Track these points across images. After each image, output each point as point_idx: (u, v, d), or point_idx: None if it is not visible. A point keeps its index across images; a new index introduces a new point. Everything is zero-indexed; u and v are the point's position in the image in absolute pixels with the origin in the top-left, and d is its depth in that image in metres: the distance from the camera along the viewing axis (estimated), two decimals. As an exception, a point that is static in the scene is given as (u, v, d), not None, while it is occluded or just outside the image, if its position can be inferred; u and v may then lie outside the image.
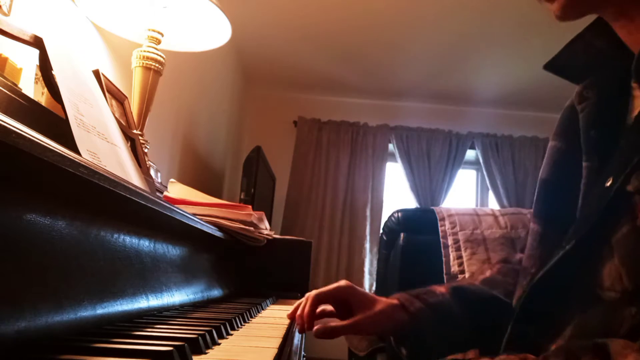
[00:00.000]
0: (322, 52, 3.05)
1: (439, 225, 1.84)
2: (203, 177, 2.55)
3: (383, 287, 1.98)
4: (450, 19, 2.57)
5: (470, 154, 3.69)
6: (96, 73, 0.84)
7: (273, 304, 1.09)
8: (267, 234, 1.30)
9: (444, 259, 1.76)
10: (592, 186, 0.52)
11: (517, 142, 3.63)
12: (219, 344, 0.44)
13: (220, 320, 0.54)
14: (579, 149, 0.56)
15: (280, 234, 2.30)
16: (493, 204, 3.65)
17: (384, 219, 2.52)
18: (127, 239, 0.56)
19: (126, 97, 1.05)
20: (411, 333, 0.69)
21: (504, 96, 3.47)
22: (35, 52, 0.63)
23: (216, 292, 0.94)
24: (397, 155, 3.58)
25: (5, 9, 0.84)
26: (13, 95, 0.54)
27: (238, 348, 0.44)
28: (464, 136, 3.64)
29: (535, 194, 0.63)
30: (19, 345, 0.32)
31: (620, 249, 0.44)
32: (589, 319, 0.46)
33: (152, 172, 1.10)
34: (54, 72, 0.60)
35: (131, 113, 1.06)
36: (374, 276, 3.25)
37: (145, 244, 0.61)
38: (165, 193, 1.20)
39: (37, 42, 0.62)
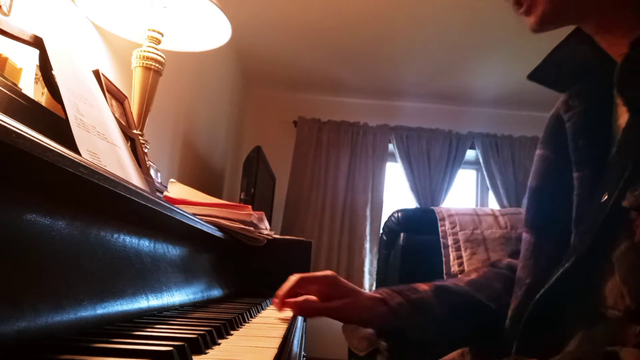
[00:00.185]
0: (323, 52, 3.05)
1: (439, 225, 1.84)
2: (203, 177, 2.55)
3: (383, 287, 1.98)
4: (451, 19, 2.57)
5: (470, 154, 3.69)
6: (96, 73, 0.84)
7: (273, 304, 1.09)
8: (267, 234, 1.30)
9: (444, 259, 1.76)
10: (586, 198, 0.51)
11: (517, 142, 3.63)
12: (219, 344, 0.44)
13: (220, 320, 0.54)
14: (568, 157, 0.55)
15: (280, 234, 2.30)
16: (493, 204, 3.65)
17: (384, 219, 2.52)
18: (127, 239, 0.56)
19: (126, 97, 1.05)
20: (391, 327, 0.70)
21: (504, 96, 3.47)
22: (35, 52, 0.63)
23: (216, 292, 0.94)
24: (397, 155, 3.58)
25: (5, 9, 0.84)
26: (13, 95, 0.54)
27: (238, 348, 0.44)
28: (464, 136, 3.64)
29: (526, 203, 0.63)
30: (19, 345, 0.32)
31: (620, 266, 0.44)
32: (593, 335, 0.46)
33: (152, 172, 1.10)
34: (54, 72, 0.60)
35: (131, 113, 1.06)
36: (374, 276, 3.25)
37: (145, 244, 0.61)
38: (165, 193, 1.20)
39: (37, 42, 0.62)
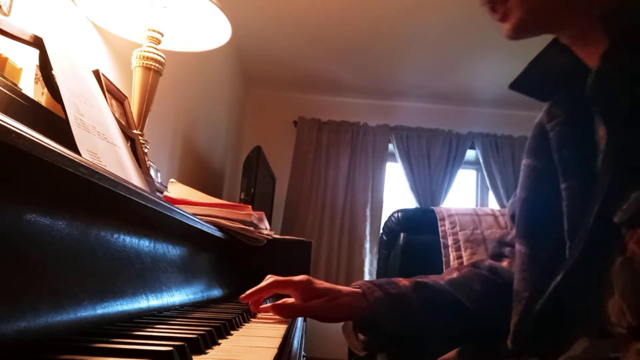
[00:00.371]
0: (323, 52, 3.05)
1: (439, 225, 1.84)
2: (203, 177, 2.55)
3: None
4: (451, 19, 2.57)
5: (470, 154, 3.69)
6: (96, 73, 0.84)
7: (273, 304, 1.09)
8: (267, 234, 1.30)
9: (444, 259, 1.76)
10: (577, 210, 0.50)
11: (517, 142, 3.63)
12: (219, 344, 0.44)
13: (220, 320, 0.54)
14: (554, 167, 0.55)
15: (280, 234, 2.30)
16: (493, 204, 3.65)
17: (384, 219, 2.52)
18: (127, 239, 0.56)
19: (126, 97, 1.05)
20: (368, 320, 0.70)
21: (504, 96, 3.46)
22: (35, 52, 0.63)
23: (216, 292, 0.94)
24: (397, 155, 3.58)
25: (5, 9, 0.84)
26: (13, 95, 0.54)
27: (238, 348, 0.44)
28: (464, 136, 3.64)
29: (517, 214, 0.62)
30: (19, 345, 0.32)
31: (617, 283, 0.43)
32: (598, 350, 0.45)
33: (152, 172, 1.10)
34: (54, 72, 0.60)
35: (131, 113, 1.06)
36: (374, 276, 3.25)
37: (145, 244, 0.61)
38: (165, 193, 1.20)
39: (37, 42, 0.62)
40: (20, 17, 0.89)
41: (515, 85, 0.59)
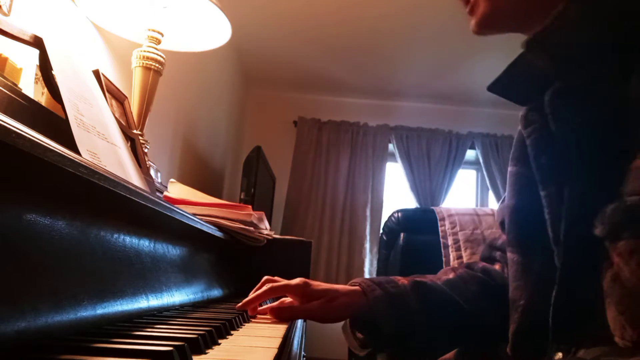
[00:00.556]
0: (323, 52, 3.05)
1: (439, 225, 1.84)
2: (203, 177, 2.55)
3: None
4: (451, 19, 2.57)
5: (470, 154, 3.69)
6: (96, 73, 0.84)
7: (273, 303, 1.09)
8: (267, 234, 1.30)
9: (444, 259, 1.76)
10: (557, 217, 0.49)
11: (517, 142, 3.63)
12: (219, 344, 0.44)
13: (220, 320, 0.54)
14: None
15: (280, 234, 2.30)
16: (493, 204, 3.65)
17: (384, 219, 2.52)
18: (127, 239, 0.56)
19: (126, 97, 1.05)
20: (366, 319, 0.70)
21: (504, 96, 3.46)
22: (35, 52, 0.63)
23: (216, 292, 0.94)
24: (397, 155, 3.58)
25: (5, 9, 0.84)
26: (13, 95, 0.54)
27: (238, 348, 0.44)
28: (464, 136, 3.64)
29: (507, 222, 0.61)
30: (19, 345, 0.32)
31: (612, 297, 0.43)
32: (603, 356, 0.45)
33: (152, 172, 1.10)
34: (54, 72, 0.60)
35: (131, 113, 1.06)
36: (374, 276, 3.25)
37: (145, 244, 0.61)
38: (165, 193, 1.20)
39: (37, 42, 0.62)
40: (20, 17, 0.89)
41: (494, 87, 0.57)
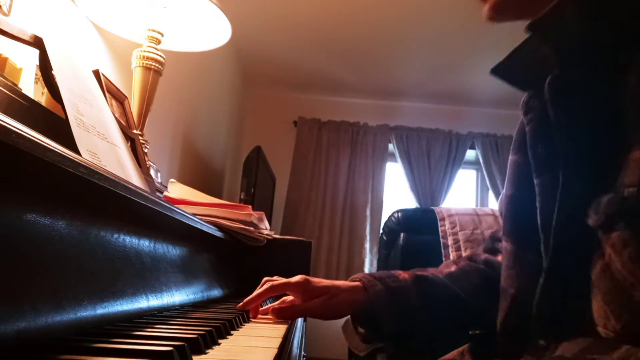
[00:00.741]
0: (322, 52, 3.05)
1: (439, 225, 1.84)
2: (203, 177, 2.55)
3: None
4: (450, 19, 2.57)
5: (470, 154, 3.69)
6: (96, 73, 0.84)
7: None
8: (267, 234, 1.30)
9: (444, 259, 1.76)
10: (547, 206, 0.49)
11: (517, 142, 3.63)
12: (219, 344, 0.44)
13: (220, 320, 0.54)
14: None
15: (280, 234, 2.30)
16: (493, 204, 3.65)
17: (384, 219, 2.52)
18: (127, 239, 0.56)
19: (126, 97, 1.05)
20: (367, 313, 0.70)
21: (504, 96, 3.46)
22: (35, 52, 0.63)
23: (216, 292, 0.94)
24: (397, 155, 3.58)
25: (5, 9, 0.84)
26: (13, 95, 0.54)
27: (238, 348, 0.44)
28: (464, 136, 3.64)
29: (503, 211, 0.61)
30: (19, 345, 0.32)
31: (599, 287, 0.43)
32: (590, 351, 0.45)
33: (152, 172, 1.10)
34: (54, 72, 0.60)
35: (131, 113, 1.06)
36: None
37: (145, 244, 0.61)
38: (165, 193, 1.20)
39: (37, 42, 0.62)
40: (20, 17, 0.89)
41: (497, 70, 0.56)
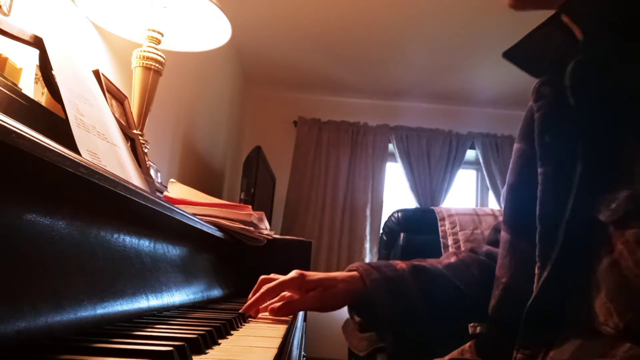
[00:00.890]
0: (322, 52, 3.05)
1: (439, 225, 1.84)
2: (203, 177, 2.55)
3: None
4: (450, 19, 2.57)
5: (470, 154, 3.69)
6: (96, 73, 0.84)
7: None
8: (267, 234, 1.30)
9: (444, 259, 1.76)
10: (548, 196, 0.49)
11: (517, 142, 3.63)
12: (219, 344, 0.44)
13: (220, 320, 0.54)
14: None
15: (280, 234, 2.30)
16: (493, 204, 3.65)
17: (384, 219, 2.52)
18: (127, 239, 0.56)
19: (126, 97, 1.05)
20: (364, 302, 0.70)
21: (504, 96, 3.47)
22: (35, 52, 0.63)
23: (216, 292, 0.94)
24: (397, 155, 3.58)
25: (5, 9, 0.84)
26: (13, 95, 0.54)
27: (238, 348, 0.44)
28: (464, 136, 3.64)
29: (505, 200, 0.61)
30: (19, 345, 0.32)
31: (605, 283, 0.42)
32: (588, 348, 0.45)
33: (152, 172, 1.10)
34: (54, 72, 0.60)
35: (131, 113, 1.06)
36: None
37: (145, 244, 0.61)
38: (165, 193, 1.20)
39: (37, 42, 0.62)
40: (20, 17, 0.89)
41: (510, 55, 0.56)
